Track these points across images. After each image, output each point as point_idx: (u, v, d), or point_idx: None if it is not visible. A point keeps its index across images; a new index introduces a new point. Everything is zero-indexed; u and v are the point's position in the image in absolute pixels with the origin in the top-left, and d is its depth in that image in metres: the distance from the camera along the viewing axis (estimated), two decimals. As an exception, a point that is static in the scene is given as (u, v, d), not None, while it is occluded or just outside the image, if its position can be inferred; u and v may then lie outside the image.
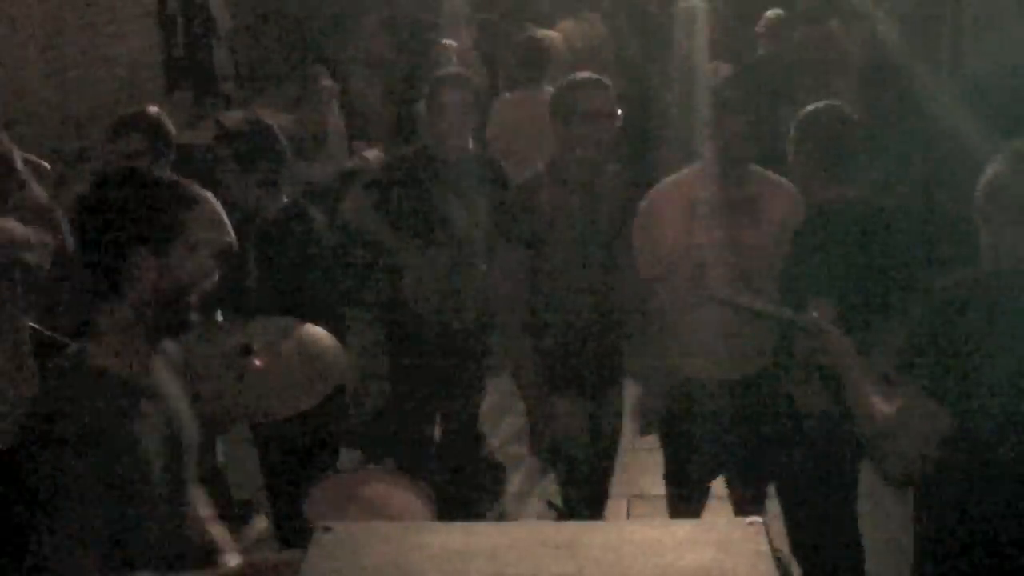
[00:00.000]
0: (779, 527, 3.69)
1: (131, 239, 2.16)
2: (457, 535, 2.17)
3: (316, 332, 3.27)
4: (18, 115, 6.06)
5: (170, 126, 4.20)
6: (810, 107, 3.54)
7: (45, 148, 6.29)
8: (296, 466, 3.82)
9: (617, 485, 5.07)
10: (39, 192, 3.64)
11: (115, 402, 2.12)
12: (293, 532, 4.01)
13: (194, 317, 2.25)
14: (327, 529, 2.19)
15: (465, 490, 4.49)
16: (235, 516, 4.10)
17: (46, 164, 4.07)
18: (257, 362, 3.06)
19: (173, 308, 2.21)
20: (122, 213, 2.17)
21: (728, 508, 4.84)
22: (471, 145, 4.45)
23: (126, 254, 2.15)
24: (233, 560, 2.35)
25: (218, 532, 2.45)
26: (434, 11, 8.38)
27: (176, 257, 2.18)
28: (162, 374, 2.30)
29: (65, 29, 6.58)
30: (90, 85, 6.83)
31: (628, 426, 5.74)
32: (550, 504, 4.52)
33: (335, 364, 3.17)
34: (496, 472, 5.10)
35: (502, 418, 5.81)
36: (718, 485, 5.12)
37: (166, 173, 2.36)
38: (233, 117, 8.23)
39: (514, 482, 5.12)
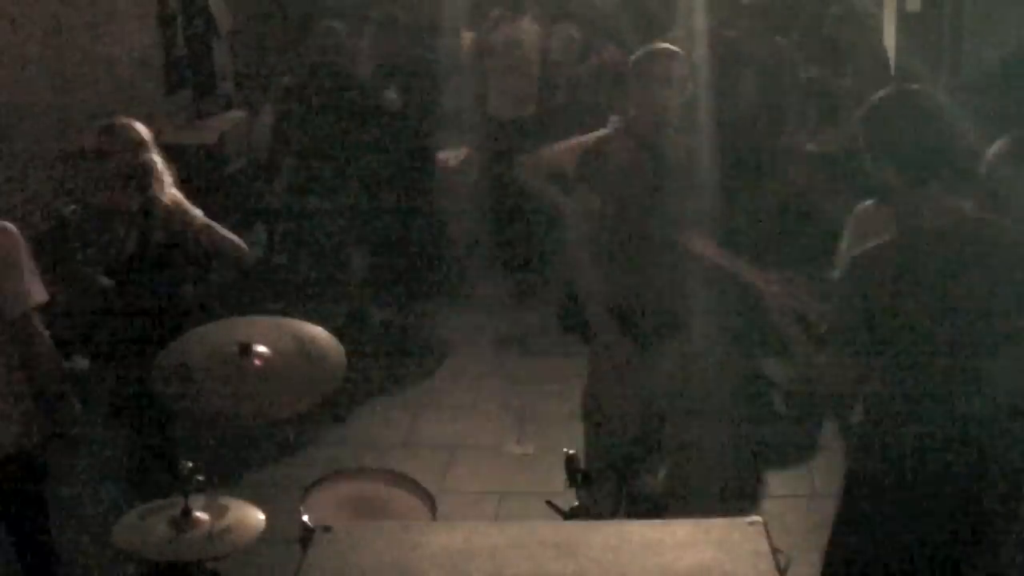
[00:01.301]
0: (779, 527, 3.69)
1: None
2: (457, 535, 2.17)
3: (316, 332, 3.26)
4: (18, 115, 6.06)
5: None
6: None
7: (45, 148, 6.29)
8: None
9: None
10: None
11: None
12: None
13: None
14: (327, 529, 2.19)
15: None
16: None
17: None
18: (257, 362, 3.06)
19: None
20: None
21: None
22: None
23: None
24: None
25: None
26: (435, 12, 8.38)
27: None
28: None
29: (65, 29, 6.57)
30: (90, 85, 6.83)
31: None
32: (550, 504, 4.51)
33: (335, 364, 3.16)
34: None
35: (502, 416, 5.82)
36: (718, 485, 5.13)
37: None
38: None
39: (514, 482, 5.12)
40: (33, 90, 6.21)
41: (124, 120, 4.16)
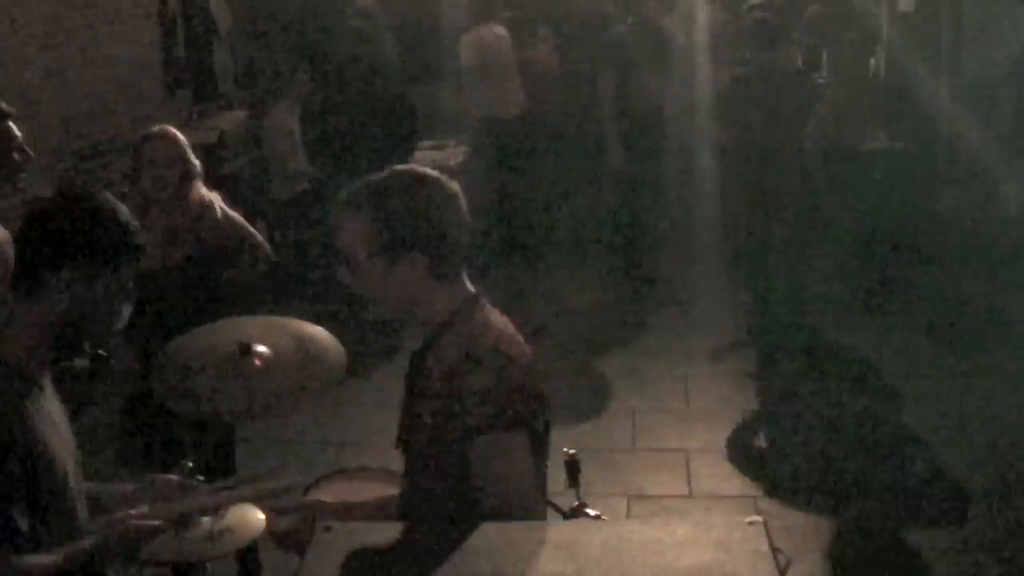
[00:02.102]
0: (779, 527, 3.70)
1: (70, 258, 2.25)
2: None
3: (316, 332, 3.26)
4: (18, 115, 6.05)
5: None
6: None
7: (45, 148, 6.29)
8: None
9: (617, 485, 5.09)
10: None
11: (14, 391, 2.22)
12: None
13: (86, 348, 2.35)
14: (327, 529, 2.19)
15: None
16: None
17: None
18: (257, 362, 3.06)
19: (72, 331, 2.32)
20: (73, 231, 2.27)
21: (728, 508, 4.86)
22: None
23: (60, 268, 2.25)
24: None
25: None
26: (434, 14, 8.41)
27: (99, 291, 2.29)
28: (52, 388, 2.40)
29: (65, 29, 6.57)
30: (90, 85, 6.83)
31: (627, 427, 5.77)
32: (550, 504, 4.52)
33: (335, 364, 3.16)
34: None
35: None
36: (718, 485, 5.14)
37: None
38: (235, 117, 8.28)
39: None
40: (33, 90, 6.21)
41: (166, 127, 4.43)
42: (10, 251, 3.44)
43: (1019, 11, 6.99)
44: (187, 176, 4.35)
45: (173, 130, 4.43)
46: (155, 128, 4.46)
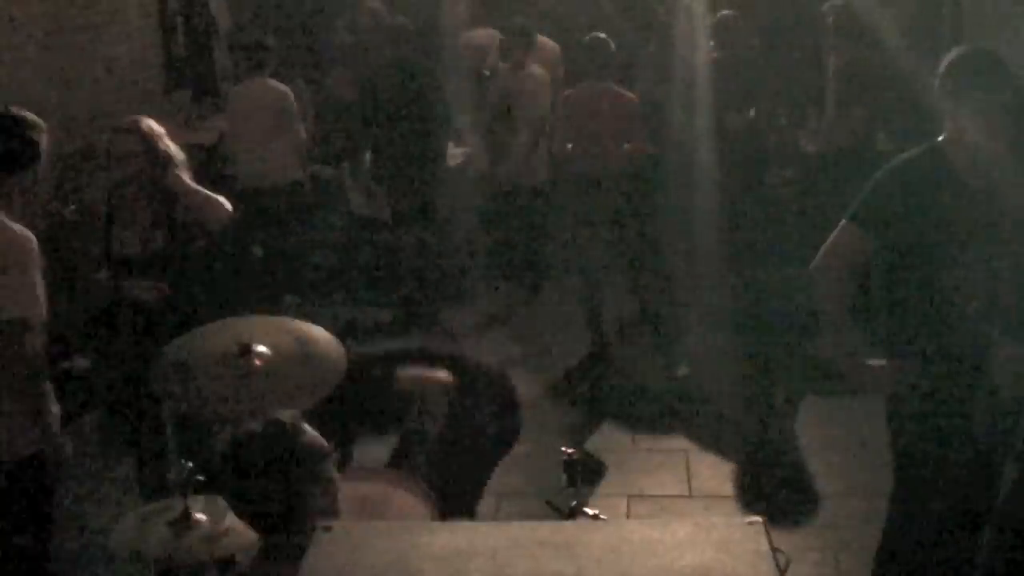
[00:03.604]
0: (779, 527, 3.69)
1: None
2: (457, 535, 2.17)
3: (316, 332, 3.26)
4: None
5: None
6: None
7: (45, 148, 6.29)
8: None
9: (617, 485, 5.09)
10: None
11: None
12: None
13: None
14: (327, 529, 2.19)
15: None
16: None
17: None
18: (257, 362, 3.06)
19: None
20: None
21: (728, 508, 4.86)
22: None
23: None
24: None
25: None
26: (434, 13, 8.40)
27: None
28: None
29: (65, 29, 6.58)
30: (90, 85, 6.83)
31: (628, 426, 5.77)
32: (550, 504, 4.52)
33: (335, 364, 3.16)
34: None
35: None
36: (717, 484, 5.14)
37: None
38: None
39: (514, 482, 5.12)
40: (33, 90, 6.21)
41: (137, 118, 4.29)
42: (34, 245, 3.46)
43: (1021, 11, 6.99)
44: (159, 165, 4.22)
45: (140, 122, 4.29)
46: (123, 121, 4.34)
